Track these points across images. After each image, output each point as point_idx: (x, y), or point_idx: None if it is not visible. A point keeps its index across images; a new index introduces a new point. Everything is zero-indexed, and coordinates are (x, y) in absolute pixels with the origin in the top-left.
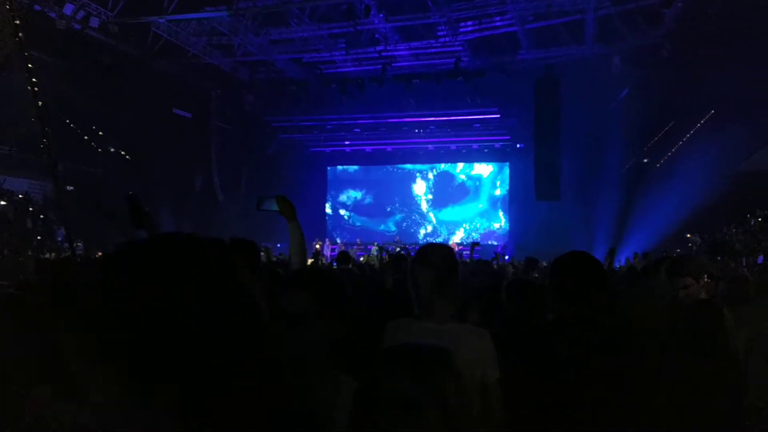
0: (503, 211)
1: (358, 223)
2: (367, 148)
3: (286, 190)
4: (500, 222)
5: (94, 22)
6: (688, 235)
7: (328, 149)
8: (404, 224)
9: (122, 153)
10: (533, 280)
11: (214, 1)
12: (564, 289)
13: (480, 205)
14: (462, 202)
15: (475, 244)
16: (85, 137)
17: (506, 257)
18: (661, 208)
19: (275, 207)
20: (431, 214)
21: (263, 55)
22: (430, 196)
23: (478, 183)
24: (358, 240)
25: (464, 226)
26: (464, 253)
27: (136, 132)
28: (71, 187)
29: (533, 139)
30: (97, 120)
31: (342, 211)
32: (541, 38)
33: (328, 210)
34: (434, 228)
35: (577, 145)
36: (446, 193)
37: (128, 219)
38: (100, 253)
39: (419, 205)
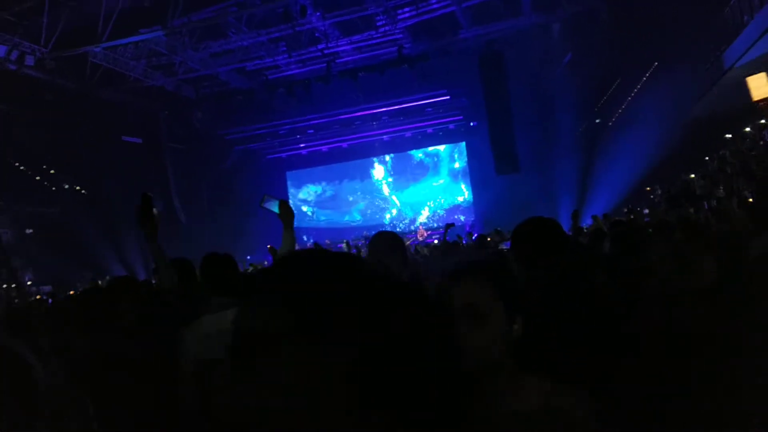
0: (465, 183)
1: (322, 218)
2: (323, 148)
3: (248, 202)
4: (463, 195)
5: (30, 60)
6: (648, 188)
7: (284, 154)
8: (368, 211)
9: (77, 188)
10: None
11: (147, 21)
12: (524, 256)
13: (441, 180)
14: (422, 179)
15: (449, 225)
16: (37, 178)
17: (474, 235)
18: (620, 165)
19: (276, 209)
20: (394, 197)
21: (206, 70)
22: (390, 179)
23: (436, 159)
24: (327, 240)
25: (428, 204)
26: (434, 236)
27: (87, 165)
28: (30, 230)
29: (486, 116)
30: (46, 159)
31: (304, 208)
32: (480, 15)
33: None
34: (399, 211)
35: (530, 115)
36: (406, 173)
37: (136, 219)
38: (71, 292)
39: (381, 189)
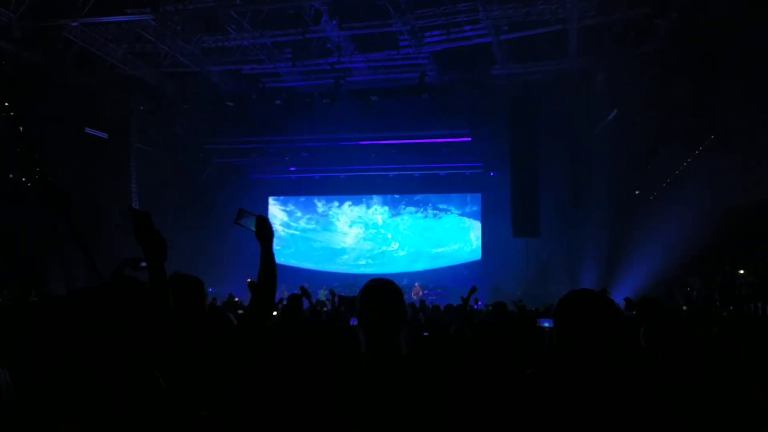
0: (475, 233)
1: (303, 247)
2: (316, 176)
3: (221, 225)
4: (471, 246)
5: None
6: (688, 278)
7: (270, 176)
8: (361, 247)
9: (23, 180)
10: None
11: (136, 2)
12: (571, 331)
13: (448, 226)
14: (427, 220)
15: (473, 289)
16: None
17: (479, 302)
18: (655, 245)
19: (252, 227)
20: (389, 235)
21: (195, 66)
22: (388, 217)
23: (446, 200)
24: (305, 284)
25: (431, 250)
26: (429, 298)
27: (38, 154)
28: None
29: (509, 169)
30: None
31: (282, 232)
32: (519, 51)
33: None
34: (396, 254)
35: (559, 173)
36: (408, 211)
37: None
38: None
39: (377, 225)
